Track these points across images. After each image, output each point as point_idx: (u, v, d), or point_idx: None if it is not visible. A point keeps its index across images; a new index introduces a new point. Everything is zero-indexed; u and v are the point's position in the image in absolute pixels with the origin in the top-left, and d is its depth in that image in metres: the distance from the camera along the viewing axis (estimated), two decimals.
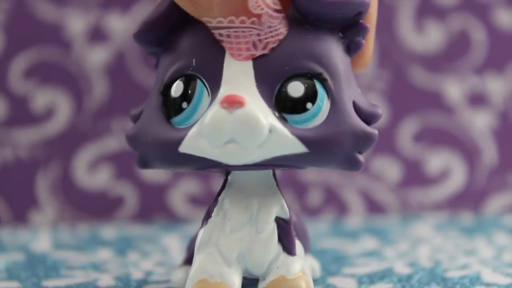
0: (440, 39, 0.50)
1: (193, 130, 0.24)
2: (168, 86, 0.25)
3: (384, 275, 0.32)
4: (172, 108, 0.25)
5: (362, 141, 0.25)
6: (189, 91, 0.25)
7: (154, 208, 0.49)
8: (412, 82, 0.50)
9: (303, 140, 0.24)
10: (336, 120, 0.25)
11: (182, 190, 0.49)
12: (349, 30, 0.26)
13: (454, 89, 0.50)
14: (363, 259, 0.36)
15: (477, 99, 0.51)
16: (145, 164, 0.26)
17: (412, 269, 0.33)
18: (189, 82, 0.25)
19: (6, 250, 0.40)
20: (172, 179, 0.49)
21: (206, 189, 0.49)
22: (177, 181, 0.49)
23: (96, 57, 0.49)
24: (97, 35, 0.49)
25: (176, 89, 0.25)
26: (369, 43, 0.29)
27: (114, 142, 0.49)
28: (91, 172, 0.49)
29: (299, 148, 0.24)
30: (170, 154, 0.25)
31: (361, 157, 0.25)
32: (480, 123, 0.50)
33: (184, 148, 0.24)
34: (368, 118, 0.26)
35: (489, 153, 0.51)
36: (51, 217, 0.48)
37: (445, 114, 0.50)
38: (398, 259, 0.36)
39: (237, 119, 0.23)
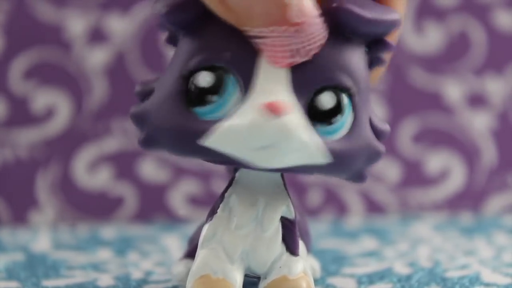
0: (440, 40, 0.50)
1: (226, 126, 0.24)
2: (193, 72, 0.25)
3: (383, 275, 0.33)
4: (196, 97, 0.24)
5: (373, 157, 0.26)
6: (220, 85, 0.24)
7: (154, 208, 0.49)
8: (411, 83, 0.50)
9: (331, 151, 0.24)
10: (357, 134, 0.25)
11: (182, 190, 0.49)
12: (375, 46, 0.26)
13: (453, 90, 0.50)
14: (362, 259, 0.36)
15: (477, 100, 0.51)
16: (150, 145, 0.25)
17: (412, 269, 0.33)
18: (219, 74, 0.24)
19: (6, 250, 0.40)
20: (172, 179, 0.49)
21: (206, 189, 0.49)
22: (177, 181, 0.49)
23: (96, 58, 0.49)
24: (97, 36, 0.49)
25: (205, 79, 0.24)
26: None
27: (114, 142, 0.49)
28: (91, 172, 0.49)
29: (327, 158, 0.24)
30: (189, 145, 0.24)
31: (367, 171, 0.26)
32: (479, 124, 0.51)
33: (210, 142, 0.24)
34: (378, 134, 0.26)
35: (489, 154, 0.51)
36: (51, 217, 0.48)
37: (444, 115, 0.50)
38: (398, 259, 0.36)
39: (279, 127, 0.23)
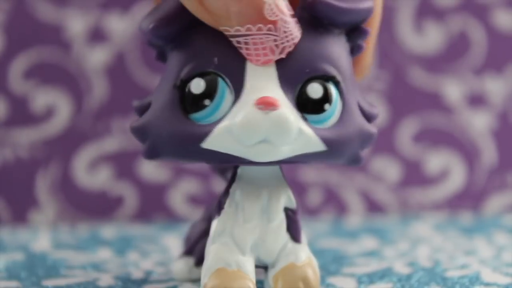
0: (440, 40, 0.50)
1: (220, 127, 0.25)
2: (186, 82, 0.26)
3: (383, 274, 0.33)
4: (192, 104, 0.26)
5: (367, 139, 0.27)
6: (211, 89, 0.25)
7: (154, 208, 0.49)
8: (411, 83, 0.50)
9: (323, 139, 0.26)
10: (347, 120, 0.27)
11: (182, 190, 0.49)
12: (353, 34, 0.28)
13: (453, 90, 0.50)
14: (362, 259, 0.36)
15: (477, 100, 0.51)
16: (154, 156, 0.27)
17: (412, 269, 0.34)
18: (210, 79, 0.26)
19: (6, 250, 0.40)
20: (172, 179, 0.49)
21: (206, 189, 0.49)
22: (177, 181, 0.49)
23: (96, 58, 0.49)
24: (97, 35, 0.49)
25: (197, 86, 0.26)
26: (369, 51, 0.31)
27: (114, 142, 0.49)
28: (91, 172, 0.49)
29: (320, 147, 0.26)
30: (190, 149, 0.26)
31: (362, 153, 0.28)
32: (479, 124, 0.51)
33: (208, 144, 0.25)
34: (368, 117, 0.28)
35: (489, 154, 0.51)
36: (51, 217, 0.48)
37: (444, 115, 0.50)
38: (398, 258, 0.36)
39: (272, 120, 0.24)
